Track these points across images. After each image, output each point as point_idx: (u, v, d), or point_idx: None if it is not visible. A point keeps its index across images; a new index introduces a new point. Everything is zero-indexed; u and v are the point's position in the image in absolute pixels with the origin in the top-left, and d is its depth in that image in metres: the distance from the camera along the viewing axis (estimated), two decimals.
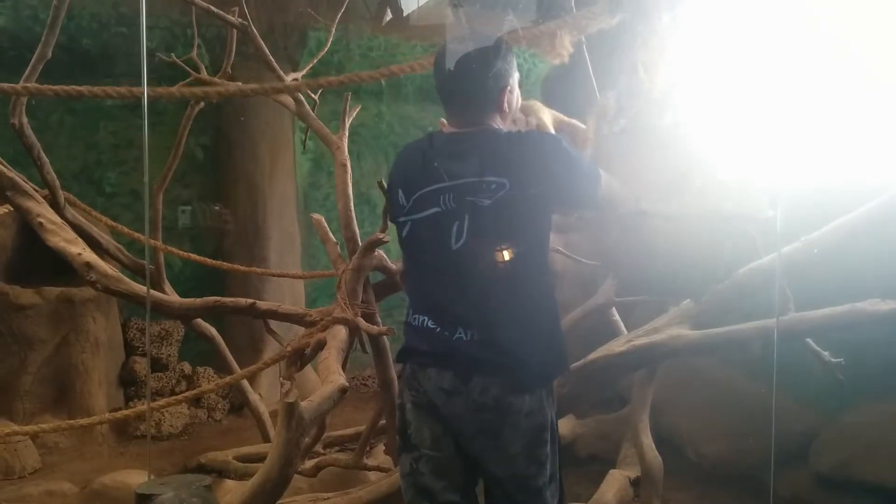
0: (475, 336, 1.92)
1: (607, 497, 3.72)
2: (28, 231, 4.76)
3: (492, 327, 1.93)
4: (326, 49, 4.24)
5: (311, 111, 3.64)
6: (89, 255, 2.64)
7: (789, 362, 2.90)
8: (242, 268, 4.71)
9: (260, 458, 3.92)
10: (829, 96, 3.19)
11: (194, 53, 4.26)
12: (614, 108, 3.34)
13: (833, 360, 3.15)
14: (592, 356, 3.15)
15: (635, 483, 3.89)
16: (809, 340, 3.15)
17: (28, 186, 2.78)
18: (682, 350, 3.18)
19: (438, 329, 1.96)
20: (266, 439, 4.18)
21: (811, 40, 3.07)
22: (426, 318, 1.99)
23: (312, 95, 3.78)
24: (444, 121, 2.04)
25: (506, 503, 2.00)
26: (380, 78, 2.26)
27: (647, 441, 3.76)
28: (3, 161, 2.93)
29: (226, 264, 4.63)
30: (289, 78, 3.64)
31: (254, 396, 4.24)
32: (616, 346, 3.23)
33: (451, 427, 1.99)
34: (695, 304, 3.22)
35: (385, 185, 2.20)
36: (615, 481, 3.84)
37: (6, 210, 3.82)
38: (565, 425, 4.43)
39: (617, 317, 4.33)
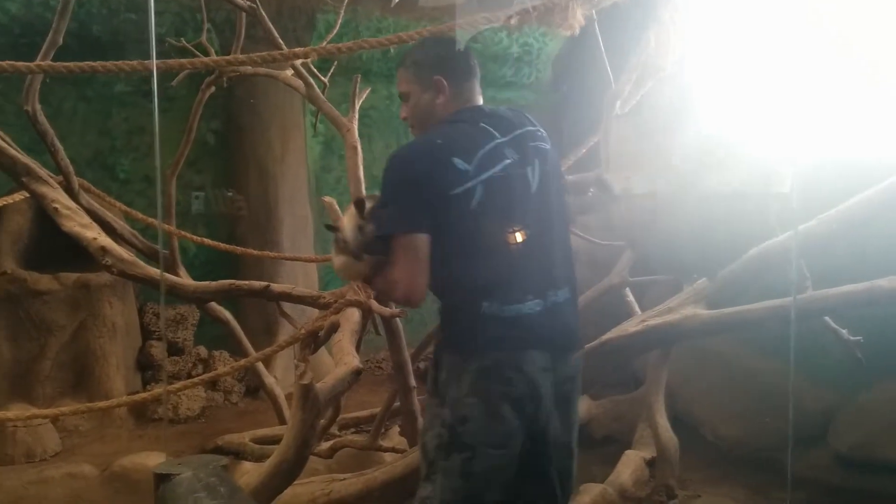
0: (568, 296, 2.00)
1: (623, 477, 3.72)
2: (44, 218, 4.79)
3: (573, 284, 2.04)
4: (335, 31, 4.21)
5: (320, 94, 3.62)
6: (104, 240, 2.65)
7: (807, 341, 2.88)
8: (256, 252, 4.74)
9: (276, 440, 3.94)
10: (845, 73, 3.15)
11: (204, 38, 4.25)
12: (628, 90, 3.31)
13: (852, 338, 3.13)
14: (606, 336, 3.14)
15: (651, 463, 3.89)
16: (828, 318, 3.12)
17: (43, 172, 2.79)
18: (697, 330, 3.17)
19: (531, 301, 1.90)
20: (282, 421, 4.21)
21: (826, 18, 3.03)
22: (510, 299, 1.88)
23: (322, 78, 3.76)
24: None
25: (563, 478, 2.03)
26: (388, 45, 2.25)
27: (663, 421, 3.76)
28: (17, 147, 2.94)
29: (239, 248, 4.65)
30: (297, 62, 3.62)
31: (269, 379, 4.26)
32: (630, 327, 3.22)
33: (534, 414, 1.91)
34: (711, 282, 3.19)
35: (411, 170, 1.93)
36: (631, 462, 3.84)
37: (22, 196, 3.85)
38: (580, 406, 4.43)
39: (631, 297, 4.31)
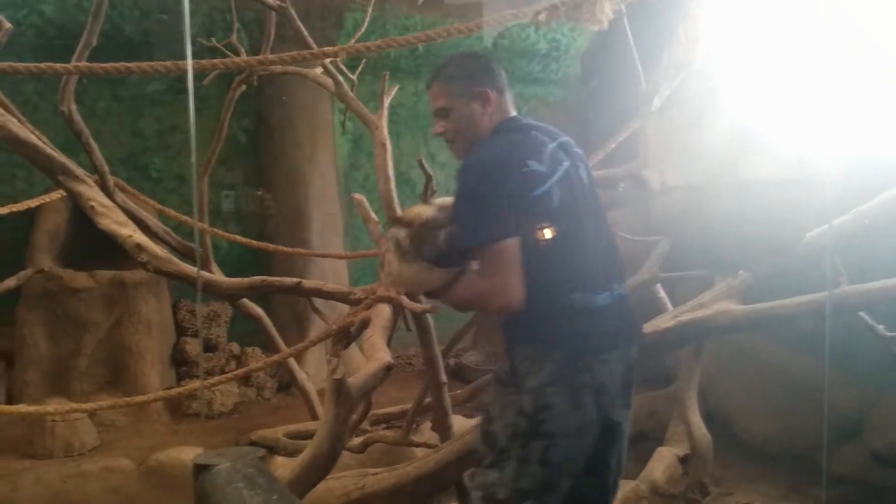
0: (625, 288, 2.05)
1: (656, 474, 3.70)
2: (79, 216, 4.89)
3: (624, 278, 2.10)
4: (363, 30, 4.23)
5: (349, 92, 3.65)
6: (140, 237, 2.69)
7: (842, 337, 2.83)
8: (287, 249, 4.78)
9: (308, 435, 3.98)
10: (880, 65, 3.09)
11: (234, 38, 4.30)
12: (661, 86, 3.29)
13: (888, 333, 3.07)
14: None
15: (684, 460, 3.86)
16: (863, 314, 3.07)
17: (79, 171, 2.84)
18: (729, 326, 3.13)
19: (603, 294, 1.96)
20: (314, 417, 4.25)
21: (858, 8, 2.98)
22: (591, 292, 1.94)
23: (351, 76, 3.78)
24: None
25: (619, 468, 2.08)
26: (416, 43, 2.26)
27: (696, 418, 3.72)
28: (54, 147, 3.00)
29: (271, 246, 4.69)
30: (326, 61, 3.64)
31: (301, 375, 4.31)
32: (662, 323, 3.19)
33: (608, 405, 1.96)
34: (753, 275, 3.15)
35: (480, 171, 1.94)
36: (664, 459, 3.81)
37: (58, 195, 3.93)
38: None
39: (662, 293, 4.27)
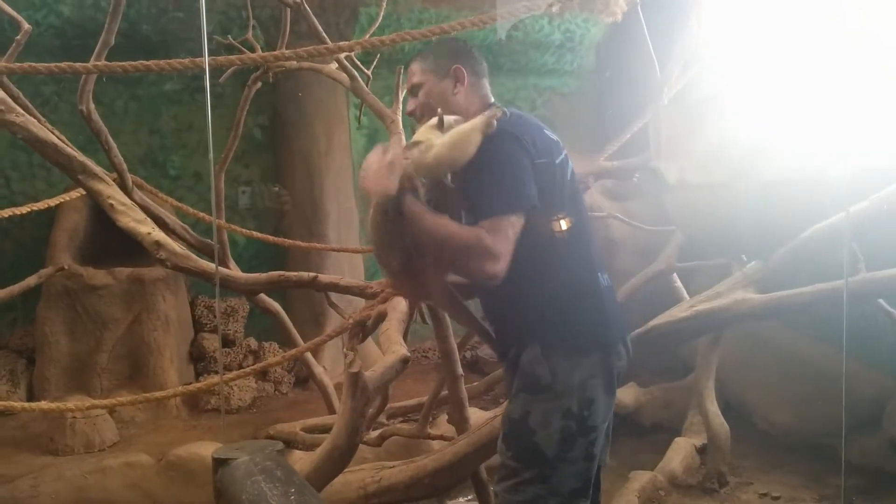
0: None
1: (673, 464, 3.70)
2: (98, 215, 4.95)
3: None
4: (377, 24, 4.24)
5: (364, 86, 3.66)
6: (158, 234, 2.71)
7: (860, 324, 2.82)
8: (303, 244, 4.81)
9: (326, 430, 4.01)
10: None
11: (250, 34, 4.32)
12: (676, 77, 3.27)
13: None
14: (654, 322, 3.11)
15: (701, 451, 3.86)
16: (882, 301, 3.05)
17: (98, 170, 2.87)
18: (746, 315, 3.12)
19: (605, 278, 1.95)
20: (331, 411, 4.27)
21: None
22: (602, 273, 1.95)
23: (366, 71, 3.80)
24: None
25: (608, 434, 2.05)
26: (431, 37, 2.25)
27: (713, 408, 3.72)
28: (72, 146, 3.03)
29: (287, 241, 4.72)
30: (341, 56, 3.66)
31: (318, 369, 4.33)
32: (678, 312, 3.18)
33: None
34: (764, 263, 3.13)
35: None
36: (681, 449, 3.81)
37: (78, 194, 3.98)
38: (628, 394, 4.41)
39: (678, 282, 4.27)
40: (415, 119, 2.05)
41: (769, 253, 3.01)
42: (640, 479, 3.51)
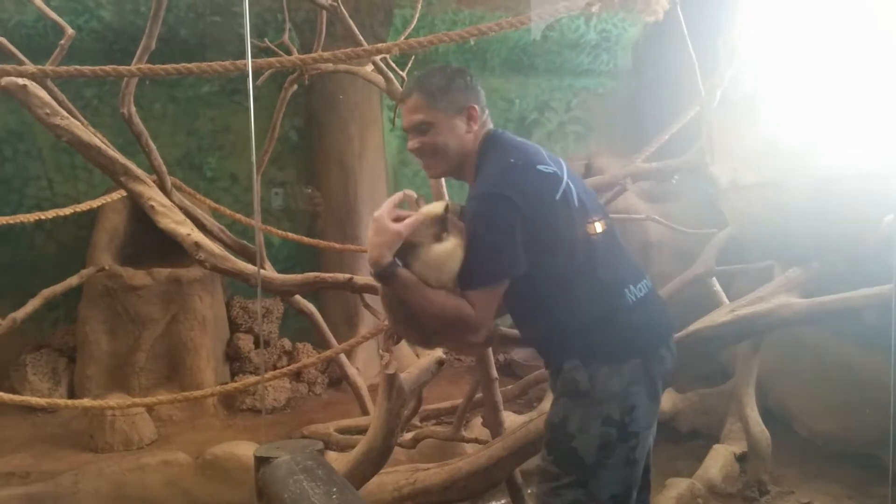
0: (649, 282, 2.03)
1: (712, 472, 3.63)
2: (137, 216, 5.03)
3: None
4: (413, 26, 4.24)
5: (399, 88, 3.65)
6: (198, 236, 2.74)
7: None
8: (338, 245, 4.83)
9: (359, 431, 4.02)
10: None
11: (286, 37, 4.34)
12: (728, 77, 3.21)
13: None
14: (693, 327, 3.05)
15: (741, 458, 3.79)
16: None
17: (140, 172, 2.91)
18: (790, 320, 3.04)
19: (641, 284, 1.95)
20: (364, 412, 4.28)
21: None
22: (635, 285, 1.94)
23: (400, 72, 3.79)
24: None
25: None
26: (468, 38, 2.24)
27: (754, 415, 3.64)
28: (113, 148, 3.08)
29: (322, 242, 4.75)
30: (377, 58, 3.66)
31: (352, 370, 4.34)
32: (718, 317, 3.12)
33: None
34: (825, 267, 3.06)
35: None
36: (720, 456, 3.74)
37: (119, 195, 4.04)
38: (665, 399, 4.33)
39: (718, 286, 4.19)
40: (420, 157, 2.01)
41: (824, 254, 2.92)
42: (678, 486, 3.46)
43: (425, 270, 1.79)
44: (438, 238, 1.80)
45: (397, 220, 1.81)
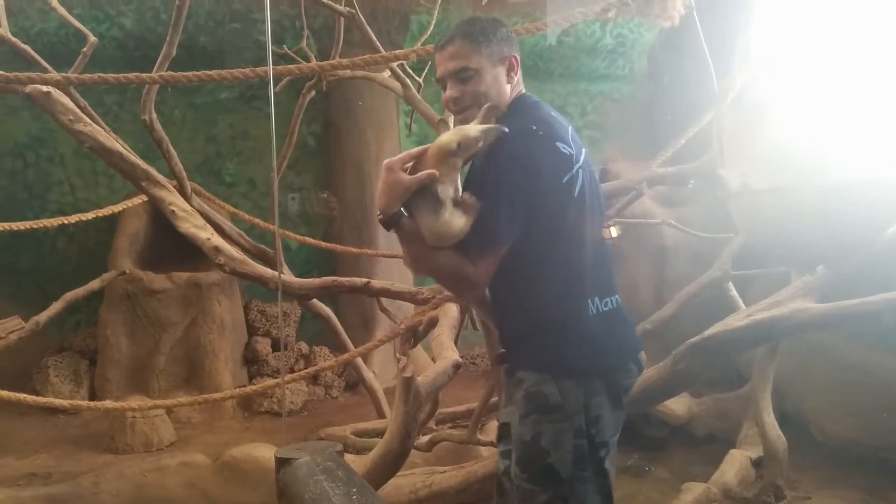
0: (619, 299, 1.92)
1: (728, 477, 3.62)
2: (157, 221, 5.10)
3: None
4: (430, 32, 4.27)
5: (416, 94, 3.69)
6: (217, 240, 2.78)
7: None
8: (355, 249, 4.87)
9: (376, 434, 4.05)
10: None
11: (304, 44, 4.39)
12: (740, 82, 3.21)
13: None
14: (710, 332, 3.05)
15: (757, 463, 3.77)
16: None
17: (161, 177, 2.96)
18: (806, 324, 3.03)
19: (613, 298, 1.88)
20: (381, 415, 4.31)
21: None
22: (601, 298, 1.84)
23: (417, 78, 3.83)
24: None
25: None
26: None
27: (770, 420, 3.63)
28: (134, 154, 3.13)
29: (340, 247, 4.78)
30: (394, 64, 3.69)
31: (368, 374, 4.37)
32: (735, 321, 3.11)
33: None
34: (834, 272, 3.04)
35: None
36: (736, 461, 3.73)
37: (140, 200, 4.10)
38: (681, 404, 4.34)
39: (734, 291, 4.18)
40: (455, 109, 1.88)
41: (836, 259, 2.92)
42: (693, 490, 3.45)
43: (427, 233, 1.73)
44: (447, 200, 1.71)
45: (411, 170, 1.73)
